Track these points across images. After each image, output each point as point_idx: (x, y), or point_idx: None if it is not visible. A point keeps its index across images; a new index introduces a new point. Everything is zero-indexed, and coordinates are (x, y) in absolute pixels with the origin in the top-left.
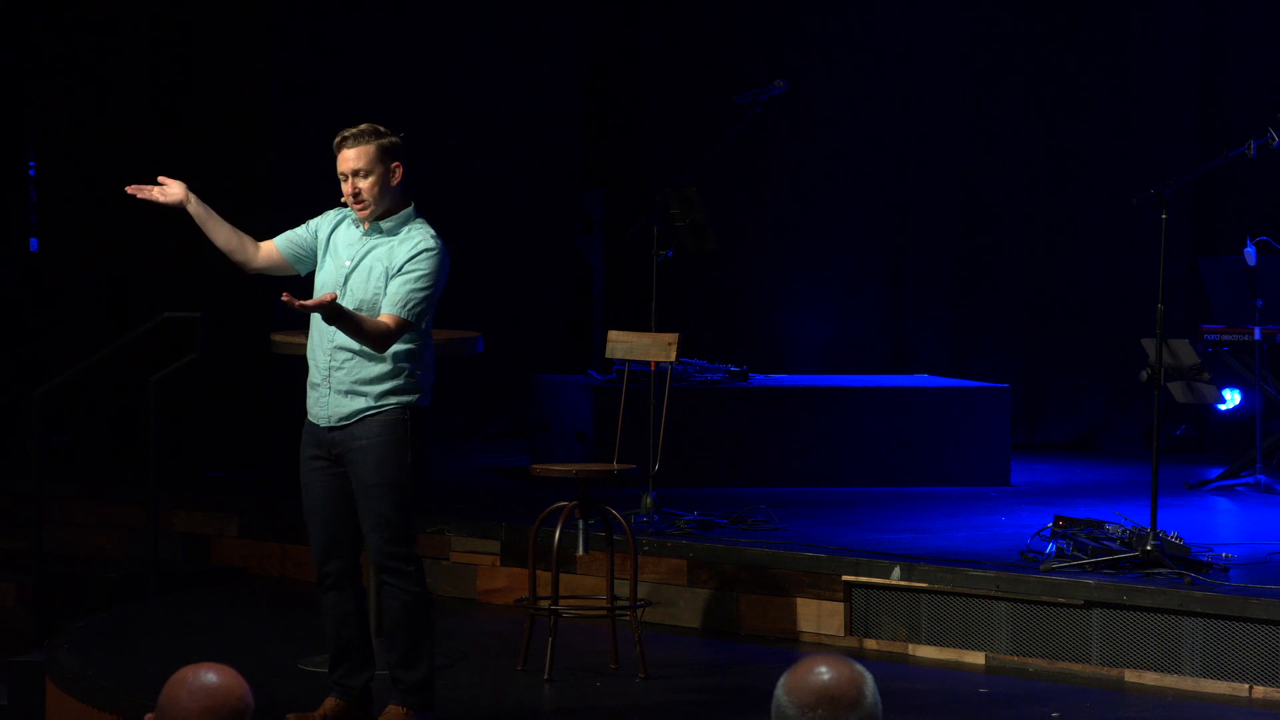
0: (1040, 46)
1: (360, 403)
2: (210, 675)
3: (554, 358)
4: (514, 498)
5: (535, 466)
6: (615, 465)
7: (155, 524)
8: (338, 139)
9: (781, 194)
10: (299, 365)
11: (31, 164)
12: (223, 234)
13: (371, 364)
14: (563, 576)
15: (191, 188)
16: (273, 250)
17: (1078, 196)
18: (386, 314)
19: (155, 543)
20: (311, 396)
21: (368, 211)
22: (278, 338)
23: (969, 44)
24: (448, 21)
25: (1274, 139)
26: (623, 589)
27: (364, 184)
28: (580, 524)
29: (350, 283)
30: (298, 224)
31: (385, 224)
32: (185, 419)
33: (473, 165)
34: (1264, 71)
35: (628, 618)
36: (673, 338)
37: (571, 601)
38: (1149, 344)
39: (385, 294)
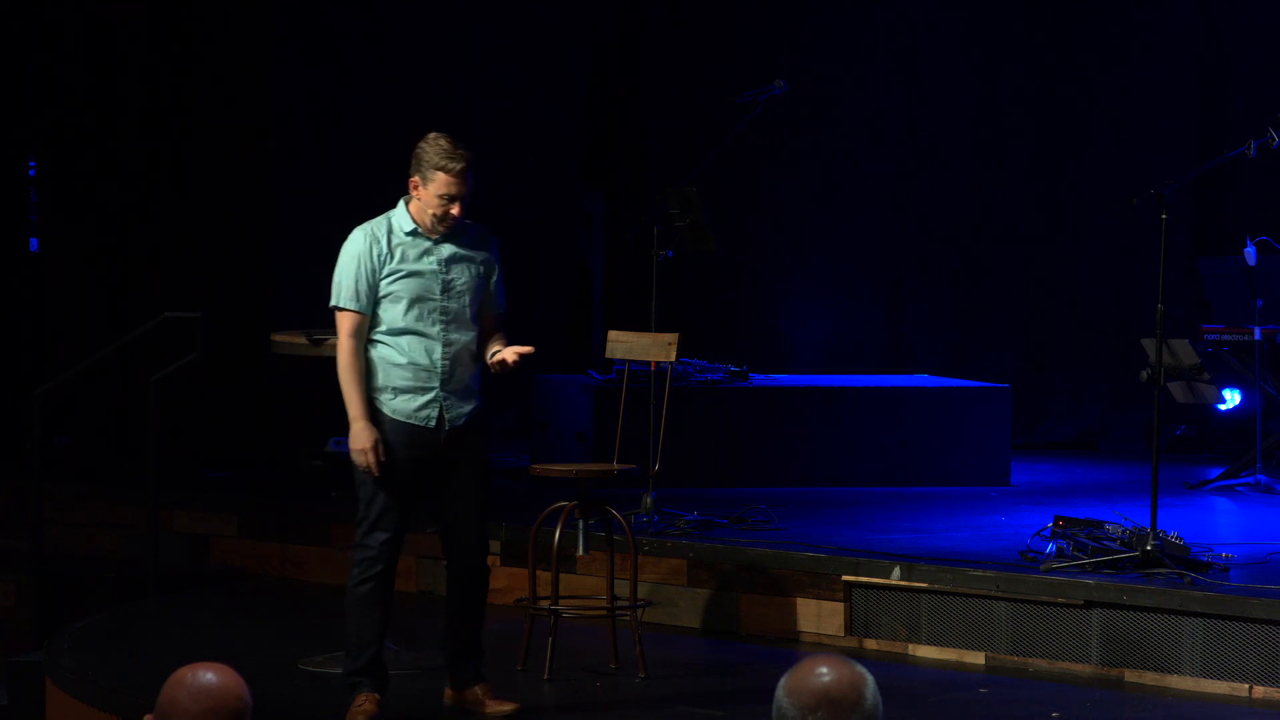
0: (1041, 46)
1: (472, 403)
2: (209, 675)
3: (554, 358)
4: (514, 498)
5: (535, 466)
6: (615, 465)
7: (155, 524)
8: (458, 164)
9: (782, 194)
10: (299, 365)
11: (31, 164)
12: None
13: (475, 365)
14: (563, 576)
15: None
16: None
17: (1078, 196)
18: (497, 314)
19: (155, 543)
20: (417, 401)
21: (445, 229)
22: (278, 338)
23: (970, 44)
24: (448, 23)
25: (1274, 139)
26: (623, 589)
27: (459, 209)
28: (580, 524)
29: (454, 288)
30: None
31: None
32: (185, 419)
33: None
34: (1264, 71)
35: (628, 618)
36: (673, 338)
37: (571, 601)
38: (1149, 344)
39: (488, 292)
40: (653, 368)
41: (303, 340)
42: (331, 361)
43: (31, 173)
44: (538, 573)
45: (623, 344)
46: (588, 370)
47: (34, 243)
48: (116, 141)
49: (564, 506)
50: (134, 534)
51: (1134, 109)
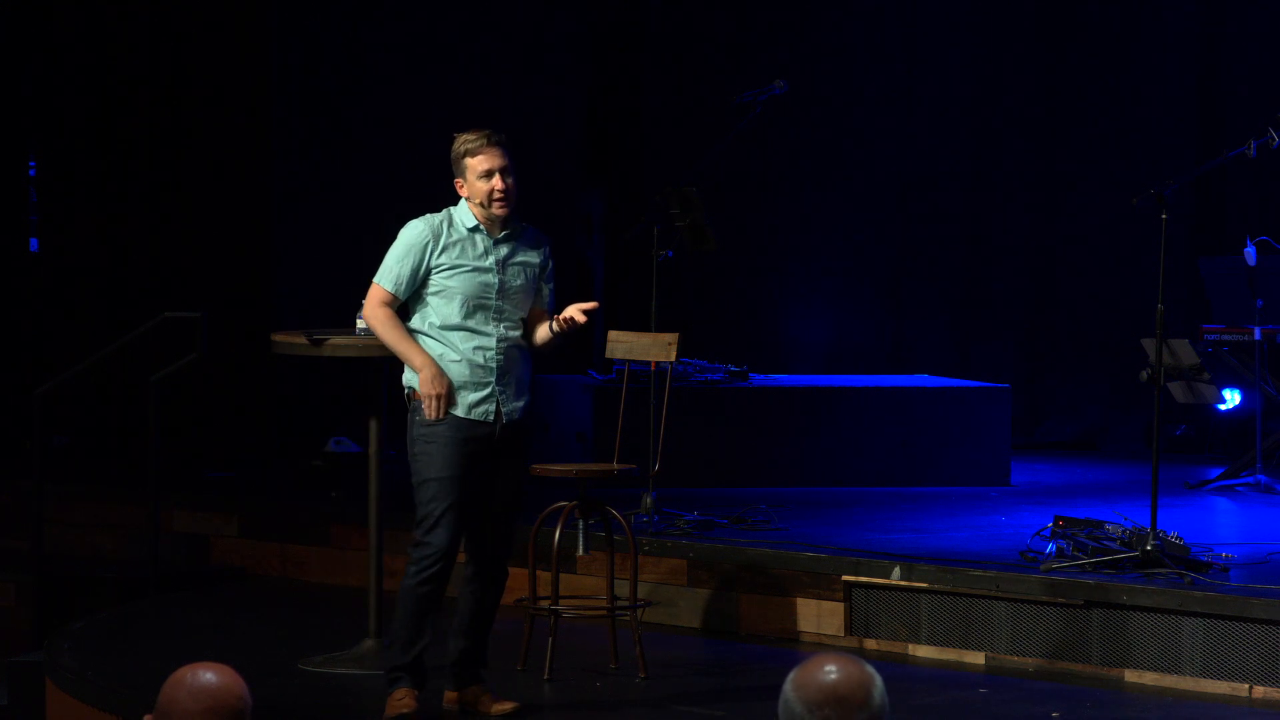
0: (1040, 46)
1: (526, 398)
2: (209, 675)
3: (554, 358)
4: None
5: (535, 466)
6: (615, 465)
7: (155, 524)
8: (483, 140)
9: (781, 194)
10: (299, 365)
11: (31, 164)
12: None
13: (526, 361)
14: (563, 576)
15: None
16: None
17: (1078, 196)
18: (543, 311)
19: (155, 543)
20: (475, 396)
21: (508, 210)
22: (278, 338)
23: (969, 44)
24: (447, 22)
25: (1274, 139)
26: (623, 589)
27: (510, 181)
28: (580, 524)
29: (509, 288)
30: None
31: (511, 224)
32: (185, 419)
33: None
34: (1264, 71)
35: (628, 618)
36: (673, 338)
37: (571, 601)
38: (1149, 344)
39: (540, 294)
40: (653, 368)
41: (303, 340)
42: (332, 362)
43: (31, 173)
44: (538, 572)
45: (623, 344)
46: (588, 370)
47: (34, 243)
48: (116, 141)
49: (564, 506)
50: (134, 534)
51: (1133, 110)
